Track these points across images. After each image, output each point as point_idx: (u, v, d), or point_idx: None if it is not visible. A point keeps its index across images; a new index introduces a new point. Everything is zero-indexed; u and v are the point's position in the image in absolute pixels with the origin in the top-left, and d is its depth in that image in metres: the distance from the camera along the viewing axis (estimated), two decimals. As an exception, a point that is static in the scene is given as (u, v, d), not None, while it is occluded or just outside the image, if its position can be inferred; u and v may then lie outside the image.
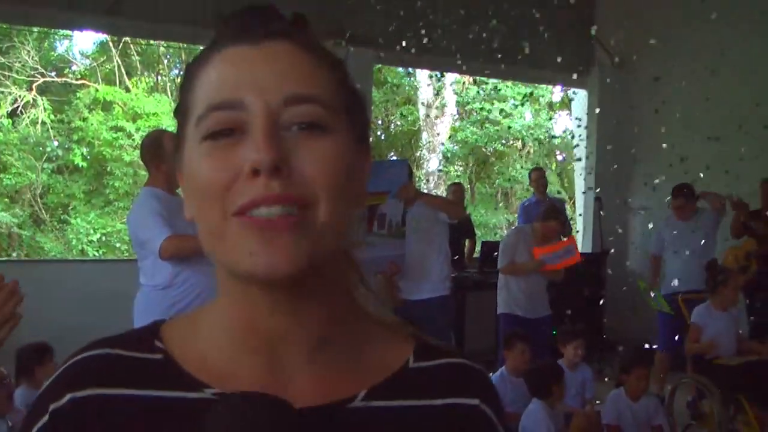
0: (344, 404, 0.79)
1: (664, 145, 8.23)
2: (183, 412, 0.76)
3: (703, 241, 6.94)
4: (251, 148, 0.71)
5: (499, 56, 8.70)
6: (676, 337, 6.65)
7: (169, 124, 15.77)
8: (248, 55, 0.76)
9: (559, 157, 19.42)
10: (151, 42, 16.27)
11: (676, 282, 7.06)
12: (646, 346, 7.03)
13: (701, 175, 7.38)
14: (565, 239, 6.41)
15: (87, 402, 0.76)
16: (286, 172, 0.71)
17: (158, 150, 4.00)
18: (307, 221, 0.72)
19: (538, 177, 8.99)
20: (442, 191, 15.28)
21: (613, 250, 9.16)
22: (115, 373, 0.78)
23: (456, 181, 13.13)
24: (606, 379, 7.18)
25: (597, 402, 5.63)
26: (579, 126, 10.48)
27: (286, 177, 0.71)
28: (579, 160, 10.63)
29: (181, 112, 0.81)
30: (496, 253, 6.50)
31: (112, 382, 0.77)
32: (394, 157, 17.64)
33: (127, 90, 16.72)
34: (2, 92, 15.66)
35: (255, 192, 0.71)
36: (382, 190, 4.55)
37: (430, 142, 17.64)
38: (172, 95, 18.03)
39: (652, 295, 7.06)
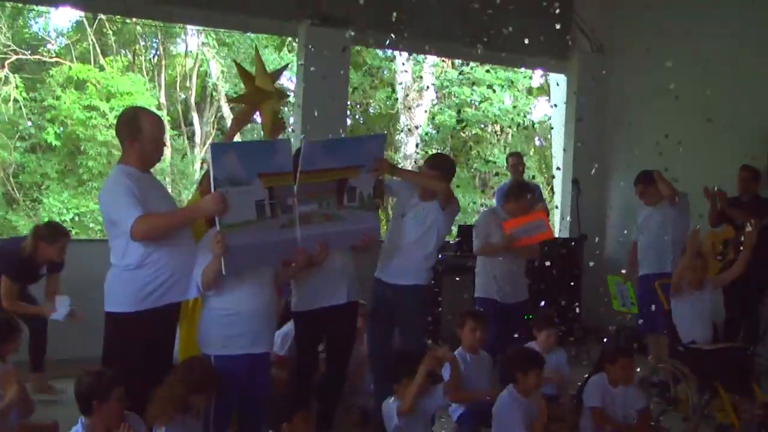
0: None
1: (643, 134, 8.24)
2: None
3: (663, 225, 6.97)
4: None
5: (477, 40, 8.62)
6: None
7: (144, 102, 15.58)
8: None
9: (538, 142, 19.41)
10: (127, 20, 16.03)
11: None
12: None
13: (669, 172, 7.30)
14: (533, 213, 6.26)
15: None
16: None
17: (133, 127, 3.91)
18: None
19: (516, 162, 8.95)
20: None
21: (591, 236, 9.16)
22: None
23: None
24: (585, 363, 7.21)
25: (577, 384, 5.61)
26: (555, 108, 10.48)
27: None
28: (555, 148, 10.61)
29: None
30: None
31: None
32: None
33: (102, 69, 16.49)
34: (-26, 70, 15.41)
35: None
36: (358, 164, 4.46)
37: (407, 125, 17.55)
38: (147, 74, 17.77)
39: (619, 288, 7.08)
